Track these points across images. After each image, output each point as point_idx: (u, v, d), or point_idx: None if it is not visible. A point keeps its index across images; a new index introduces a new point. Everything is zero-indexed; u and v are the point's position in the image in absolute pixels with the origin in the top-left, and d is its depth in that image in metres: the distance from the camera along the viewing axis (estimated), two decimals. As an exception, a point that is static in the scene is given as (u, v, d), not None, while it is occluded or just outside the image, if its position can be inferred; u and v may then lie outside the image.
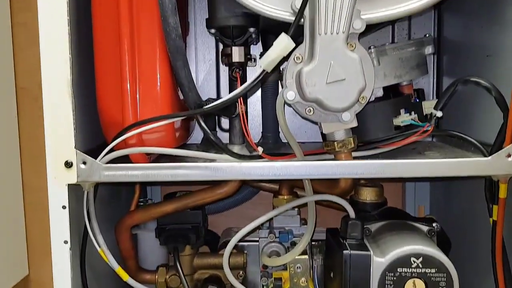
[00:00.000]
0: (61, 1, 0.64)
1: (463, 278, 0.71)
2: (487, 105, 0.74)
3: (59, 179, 0.66)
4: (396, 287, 0.69)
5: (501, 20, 0.74)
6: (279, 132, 1.00)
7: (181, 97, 0.75)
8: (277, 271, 0.83)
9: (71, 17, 0.65)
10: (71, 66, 0.65)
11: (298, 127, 1.06)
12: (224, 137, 1.02)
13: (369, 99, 0.68)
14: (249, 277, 0.92)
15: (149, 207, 0.84)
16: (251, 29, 0.76)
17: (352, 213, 0.75)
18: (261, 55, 0.93)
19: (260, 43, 0.94)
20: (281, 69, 0.79)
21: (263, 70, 0.63)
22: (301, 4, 0.63)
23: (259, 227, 0.85)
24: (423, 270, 0.69)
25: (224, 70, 1.05)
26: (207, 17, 0.76)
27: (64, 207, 0.67)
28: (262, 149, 0.71)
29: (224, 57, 0.80)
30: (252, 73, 1.01)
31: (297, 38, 0.65)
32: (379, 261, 0.69)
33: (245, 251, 0.91)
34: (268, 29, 0.85)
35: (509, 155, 0.66)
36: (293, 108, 0.69)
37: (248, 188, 1.04)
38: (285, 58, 0.65)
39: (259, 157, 0.71)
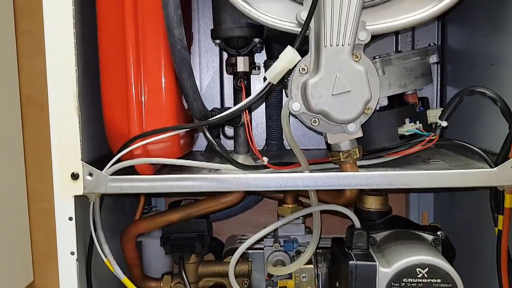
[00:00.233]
0: (67, 14, 0.64)
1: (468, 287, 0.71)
2: (491, 112, 0.74)
3: (66, 191, 0.66)
4: (401, 297, 0.69)
5: (505, 29, 0.74)
6: (283, 139, 1.00)
7: (186, 106, 0.75)
8: (282, 280, 0.84)
9: (77, 29, 0.66)
10: (77, 79, 0.65)
11: (302, 134, 1.06)
12: (228, 144, 1.03)
13: (375, 109, 0.68)
14: (254, 284, 0.92)
15: (154, 216, 0.84)
16: (256, 40, 0.76)
17: (357, 223, 0.75)
18: (265, 63, 0.94)
19: (264, 51, 0.94)
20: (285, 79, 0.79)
21: (269, 83, 0.64)
22: (307, 17, 0.63)
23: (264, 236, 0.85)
24: (428, 281, 0.69)
25: (228, 77, 1.05)
26: (212, 27, 0.76)
27: (70, 218, 0.67)
28: (267, 159, 0.71)
29: (228, 66, 0.80)
30: (256, 80, 1.03)
31: (302, 47, 0.65)
32: (385, 272, 0.69)
33: (250, 259, 0.91)
34: (273, 38, 0.85)
35: (514, 166, 0.66)
36: (299, 119, 0.69)
37: (252, 195, 1.04)
38: (290, 70, 0.65)
39: (264, 166, 0.72)
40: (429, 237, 0.77)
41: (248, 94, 0.80)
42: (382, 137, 0.77)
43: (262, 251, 0.88)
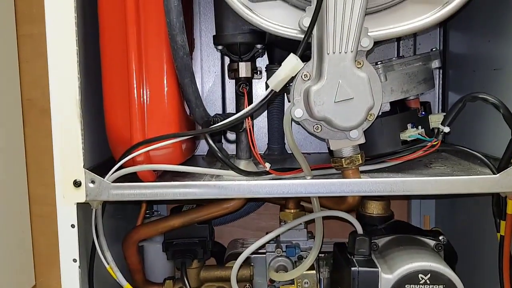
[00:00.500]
0: (69, 22, 0.64)
1: (470, 293, 0.71)
2: (494, 116, 0.74)
3: (68, 199, 0.66)
4: (404, 304, 0.69)
5: (508, 34, 0.74)
6: (284, 143, 1.00)
7: (188, 112, 0.75)
8: (284, 285, 0.84)
9: (79, 36, 0.66)
10: (79, 86, 0.65)
11: (304, 138, 1.06)
12: (230, 148, 1.03)
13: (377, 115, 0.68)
14: (256, 288, 0.93)
15: (156, 222, 0.84)
16: (258, 46, 0.76)
17: (359, 229, 0.75)
18: (267, 68, 0.94)
19: (266, 55, 0.94)
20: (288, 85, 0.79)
21: (271, 90, 0.64)
22: (309, 24, 0.63)
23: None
24: (431, 287, 0.69)
25: (229, 81, 1.05)
26: (214, 34, 0.76)
27: (73, 226, 0.67)
28: (270, 165, 0.71)
29: (230, 72, 0.80)
30: (258, 84, 1.03)
31: (304, 52, 0.65)
32: (387, 278, 0.69)
33: (252, 264, 0.91)
34: (275, 43, 0.85)
35: (517, 173, 0.66)
36: (301, 125, 0.69)
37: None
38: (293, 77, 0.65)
39: (266, 172, 0.72)
40: (431, 242, 0.77)
41: (250, 99, 0.80)
42: (384, 142, 0.77)
43: (264, 255, 0.88)
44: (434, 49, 0.80)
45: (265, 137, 1.03)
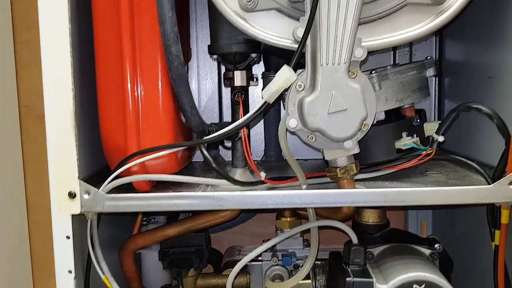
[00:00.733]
0: (63, 35, 0.64)
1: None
2: (490, 123, 0.74)
3: (63, 210, 0.66)
4: (399, 314, 0.69)
5: (503, 42, 0.74)
6: (281, 149, 1.00)
7: (184, 120, 0.75)
8: (280, 294, 0.84)
9: (73, 48, 0.66)
10: (74, 97, 0.65)
11: (300, 143, 1.03)
12: (227, 155, 1.03)
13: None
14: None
15: (152, 231, 0.84)
16: (253, 55, 0.76)
17: (354, 239, 0.75)
18: (263, 75, 0.94)
19: (262, 61, 0.94)
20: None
21: (265, 102, 0.64)
22: (303, 35, 0.63)
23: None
24: (425, 297, 0.69)
25: (226, 87, 1.05)
26: (209, 43, 0.76)
27: (68, 237, 0.67)
28: (265, 174, 0.71)
29: (226, 80, 0.80)
30: (254, 91, 1.03)
31: (299, 60, 0.65)
32: (382, 288, 0.69)
33: (249, 272, 0.91)
34: (270, 50, 0.85)
35: (511, 183, 0.66)
36: (296, 135, 0.69)
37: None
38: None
39: (261, 182, 0.72)
40: (427, 251, 0.77)
41: (245, 107, 0.80)
42: (379, 151, 0.77)
43: (260, 263, 0.88)
44: (429, 57, 0.80)
45: (262, 143, 1.02)
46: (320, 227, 0.79)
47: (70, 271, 0.67)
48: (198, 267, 0.87)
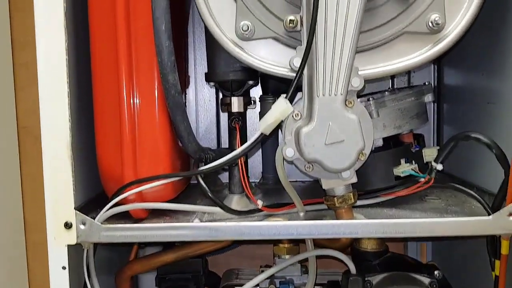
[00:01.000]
0: (60, 65, 0.64)
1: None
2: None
3: (59, 240, 0.66)
4: None
5: (501, 67, 0.74)
6: (279, 173, 1.00)
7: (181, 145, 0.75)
8: (278, 322, 0.83)
9: (70, 79, 0.66)
10: (70, 128, 0.65)
11: (298, 165, 1.06)
12: (225, 177, 1.02)
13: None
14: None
15: (149, 257, 0.84)
16: (250, 82, 0.76)
17: (352, 269, 0.75)
18: (261, 98, 0.94)
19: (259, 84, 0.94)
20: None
21: (261, 133, 0.63)
22: (300, 65, 0.62)
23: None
24: (424, 329, 0.68)
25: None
26: (206, 71, 0.76)
27: (64, 267, 0.67)
28: (262, 202, 0.71)
29: (223, 106, 0.80)
30: (252, 114, 1.02)
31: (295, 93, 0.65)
32: (380, 319, 0.68)
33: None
34: (268, 75, 0.84)
35: (510, 214, 0.65)
36: (293, 164, 0.69)
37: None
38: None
39: (258, 210, 0.71)
40: (426, 280, 0.76)
41: (243, 133, 0.80)
42: (377, 178, 0.77)
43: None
44: (426, 83, 0.80)
45: (260, 164, 1.02)
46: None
47: (65, 302, 0.67)
48: (195, 293, 0.87)
